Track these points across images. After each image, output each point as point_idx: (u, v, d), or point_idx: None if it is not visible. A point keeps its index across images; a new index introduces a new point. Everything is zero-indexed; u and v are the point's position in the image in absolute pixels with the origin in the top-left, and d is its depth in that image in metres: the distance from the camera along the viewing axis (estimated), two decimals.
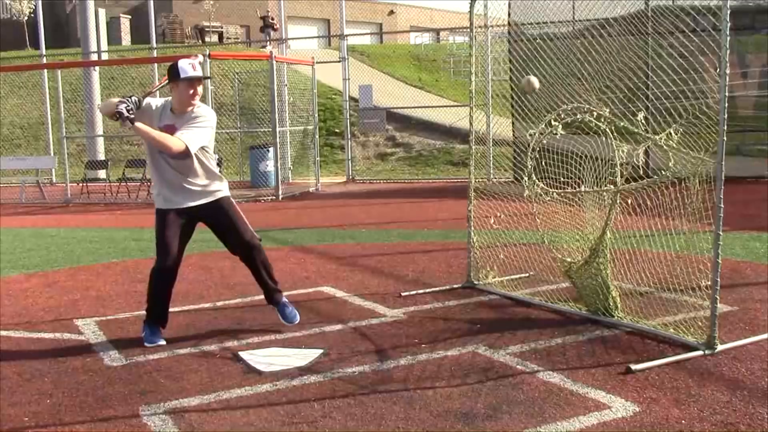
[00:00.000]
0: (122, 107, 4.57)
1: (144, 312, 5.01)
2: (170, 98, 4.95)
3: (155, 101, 4.96)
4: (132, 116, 4.60)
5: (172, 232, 4.87)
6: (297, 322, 5.20)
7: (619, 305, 5.06)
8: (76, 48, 22.87)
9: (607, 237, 5.00)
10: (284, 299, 5.26)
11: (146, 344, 4.85)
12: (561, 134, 5.00)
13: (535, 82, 4.83)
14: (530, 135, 5.16)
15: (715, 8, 4.23)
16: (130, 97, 4.70)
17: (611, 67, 5.57)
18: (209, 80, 13.04)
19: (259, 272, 5.13)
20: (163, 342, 4.88)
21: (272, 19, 28.60)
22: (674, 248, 5.02)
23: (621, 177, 4.92)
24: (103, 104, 4.84)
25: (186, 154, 4.72)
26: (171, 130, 4.77)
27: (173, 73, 4.78)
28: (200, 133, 4.80)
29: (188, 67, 4.77)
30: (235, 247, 5.08)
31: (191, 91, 4.79)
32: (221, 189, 5.02)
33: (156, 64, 18.48)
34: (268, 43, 26.51)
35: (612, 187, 4.96)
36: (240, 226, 5.01)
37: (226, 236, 5.06)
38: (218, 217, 5.00)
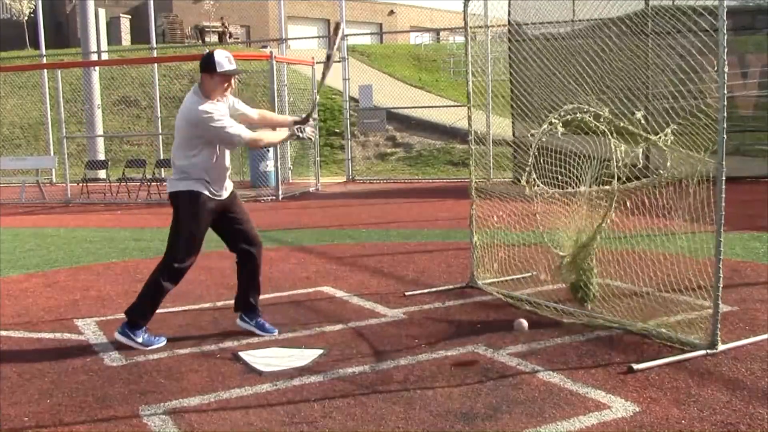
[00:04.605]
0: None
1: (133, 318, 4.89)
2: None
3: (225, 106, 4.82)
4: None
5: (204, 229, 4.80)
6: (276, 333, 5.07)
7: (596, 295, 5.11)
8: (76, 48, 22.86)
9: (599, 234, 5.01)
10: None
11: (148, 347, 4.77)
12: (561, 133, 5.00)
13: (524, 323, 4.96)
14: (532, 135, 5.16)
15: (713, 8, 4.22)
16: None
17: (611, 67, 5.56)
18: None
19: (256, 274, 5.01)
20: (164, 341, 4.86)
21: (224, 25, 30.27)
22: (674, 249, 5.01)
23: (619, 178, 4.91)
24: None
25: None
26: None
27: (209, 65, 4.60)
28: None
29: (225, 60, 4.61)
30: (245, 242, 4.92)
31: (226, 85, 4.70)
32: None
33: (156, 64, 18.48)
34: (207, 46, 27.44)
35: (611, 186, 4.96)
36: (250, 220, 5.02)
37: (239, 229, 4.92)
38: (236, 206, 4.95)
